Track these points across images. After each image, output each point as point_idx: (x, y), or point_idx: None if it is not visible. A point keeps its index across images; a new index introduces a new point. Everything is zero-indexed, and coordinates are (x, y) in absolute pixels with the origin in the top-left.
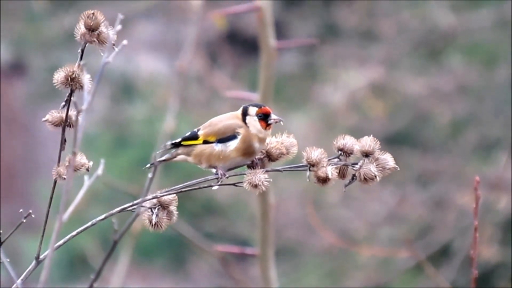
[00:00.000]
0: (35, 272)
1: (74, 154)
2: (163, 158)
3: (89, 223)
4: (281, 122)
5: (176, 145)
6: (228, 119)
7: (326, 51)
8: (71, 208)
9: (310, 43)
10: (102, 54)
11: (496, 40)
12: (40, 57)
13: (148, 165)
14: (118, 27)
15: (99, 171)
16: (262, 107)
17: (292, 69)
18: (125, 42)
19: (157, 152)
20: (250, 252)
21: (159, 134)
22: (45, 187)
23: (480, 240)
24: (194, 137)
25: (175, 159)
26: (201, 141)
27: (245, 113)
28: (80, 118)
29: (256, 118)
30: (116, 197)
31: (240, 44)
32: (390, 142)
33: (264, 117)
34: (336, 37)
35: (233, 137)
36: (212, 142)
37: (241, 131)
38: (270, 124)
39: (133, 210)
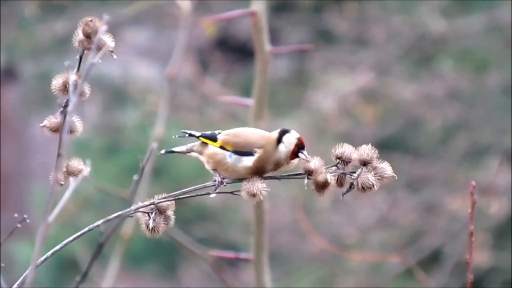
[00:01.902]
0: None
1: (60, 155)
2: (179, 149)
3: (86, 229)
4: (306, 160)
5: (193, 136)
6: (254, 135)
7: (317, 57)
8: (57, 210)
9: (304, 49)
10: (100, 61)
11: (487, 46)
12: (32, 64)
13: (163, 151)
14: (104, 27)
15: (85, 172)
16: (301, 137)
17: (283, 75)
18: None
19: (175, 136)
20: (245, 257)
21: (149, 140)
22: (37, 193)
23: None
24: (213, 138)
25: (189, 154)
26: (218, 145)
27: (283, 134)
28: (67, 119)
29: (293, 142)
30: (107, 202)
31: (231, 50)
32: (381, 147)
33: (300, 146)
34: (327, 43)
35: (249, 153)
36: (227, 151)
37: (260, 151)
38: (297, 156)
39: (130, 215)
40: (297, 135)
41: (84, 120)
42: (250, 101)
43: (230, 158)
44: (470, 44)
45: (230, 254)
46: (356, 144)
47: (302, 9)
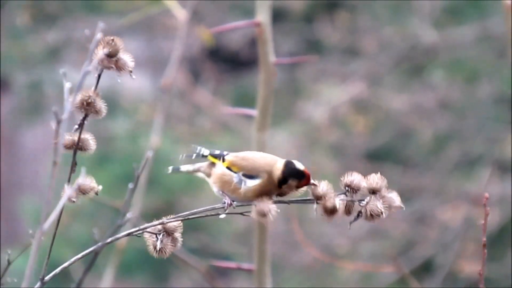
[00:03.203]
0: None
1: (55, 163)
2: (185, 169)
3: (92, 248)
4: (315, 186)
5: (200, 156)
6: (261, 160)
7: (309, 67)
8: (51, 218)
9: (306, 60)
10: (119, 81)
11: (479, 56)
12: (23, 74)
13: (170, 170)
14: (99, 35)
15: (80, 180)
16: (307, 170)
17: (275, 85)
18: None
19: (182, 156)
20: (247, 268)
21: (144, 151)
22: (28, 203)
23: (463, 256)
24: (220, 158)
25: (196, 173)
26: (225, 165)
27: (289, 164)
28: (60, 127)
29: (295, 184)
30: (98, 212)
31: (222, 60)
32: (372, 158)
33: (303, 178)
34: (318, 53)
35: (255, 177)
36: (234, 172)
37: (265, 176)
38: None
39: (138, 235)
40: (302, 169)
41: (75, 129)
42: (254, 112)
43: (236, 179)
44: (461, 55)
45: (232, 264)
46: (347, 154)
47: (293, 19)
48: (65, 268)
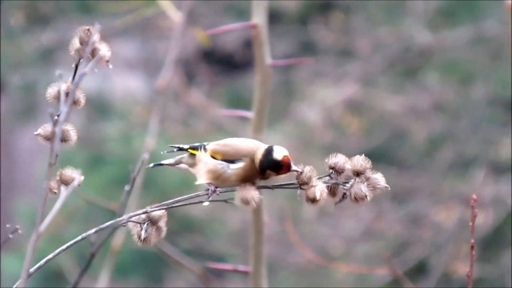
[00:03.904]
0: None
1: (51, 165)
2: (167, 162)
3: (79, 237)
4: (298, 172)
5: (182, 150)
6: (243, 144)
7: (303, 68)
8: (48, 219)
9: (301, 62)
10: (96, 70)
11: (473, 58)
12: (17, 75)
13: (152, 165)
14: (96, 37)
15: (78, 181)
16: (286, 159)
17: (271, 87)
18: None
19: (164, 152)
20: (243, 270)
21: (138, 153)
22: (23, 205)
23: (457, 257)
24: (202, 148)
25: (178, 166)
26: (208, 155)
27: (268, 154)
28: (57, 130)
29: (274, 174)
30: (93, 214)
31: (216, 61)
32: (366, 159)
33: (281, 169)
34: (312, 55)
35: (238, 161)
36: (217, 159)
37: (248, 159)
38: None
39: (123, 225)
40: (280, 158)
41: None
42: (250, 114)
43: (220, 166)
44: (456, 56)
45: (228, 266)
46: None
47: (288, 21)
48: (60, 271)
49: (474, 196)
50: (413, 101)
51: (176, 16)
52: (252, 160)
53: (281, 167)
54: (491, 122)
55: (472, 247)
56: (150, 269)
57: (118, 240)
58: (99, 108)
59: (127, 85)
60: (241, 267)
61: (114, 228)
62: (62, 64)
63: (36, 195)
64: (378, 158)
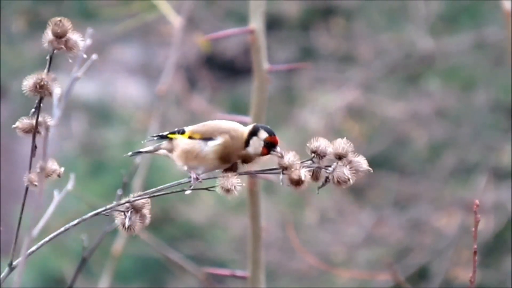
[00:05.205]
0: None
1: (42, 168)
2: (146, 149)
3: (62, 228)
4: (279, 156)
5: (163, 138)
6: (222, 123)
7: (304, 74)
8: (41, 223)
9: (300, 67)
10: (70, 61)
11: (474, 64)
12: (19, 80)
13: (130, 154)
14: (88, 41)
15: (69, 186)
16: (273, 136)
17: (270, 92)
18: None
19: (144, 142)
20: (241, 275)
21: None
22: (24, 211)
23: (458, 263)
24: (181, 132)
25: (157, 152)
26: (186, 136)
27: (253, 133)
28: (49, 134)
29: (262, 143)
30: (96, 220)
31: (218, 67)
32: (368, 165)
33: (269, 146)
34: (314, 61)
35: (216, 138)
36: (195, 139)
37: (225, 136)
38: (270, 153)
39: (106, 214)
40: (266, 136)
41: (70, 138)
42: (247, 119)
43: (197, 144)
44: (457, 62)
45: (225, 272)
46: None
47: (289, 27)
48: (61, 277)
49: (477, 202)
50: (414, 107)
51: (176, 21)
52: (232, 137)
53: (273, 132)
54: (492, 128)
55: (475, 252)
56: (152, 275)
57: (118, 245)
58: (100, 114)
59: (128, 90)
60: (239, 272)
61: (104, 233)
62: (63, 69)
63: (34, 199)
64: (379, 164)
